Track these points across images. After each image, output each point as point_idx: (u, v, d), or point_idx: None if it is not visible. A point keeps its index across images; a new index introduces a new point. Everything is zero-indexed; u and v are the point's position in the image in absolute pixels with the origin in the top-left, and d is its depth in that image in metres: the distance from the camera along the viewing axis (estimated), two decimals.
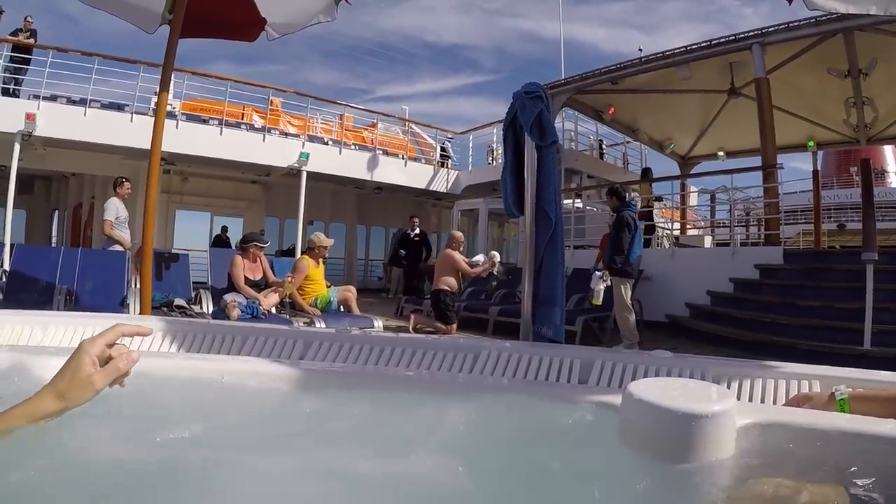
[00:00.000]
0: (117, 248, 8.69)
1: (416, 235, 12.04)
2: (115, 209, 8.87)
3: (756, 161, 12.21)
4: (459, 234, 10.22)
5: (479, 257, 10.49)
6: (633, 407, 1.33)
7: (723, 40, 11.98)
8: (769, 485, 1.25)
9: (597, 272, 8.22)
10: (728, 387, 2.09)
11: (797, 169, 56.86)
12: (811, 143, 16.87)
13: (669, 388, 1.36)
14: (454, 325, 9.62)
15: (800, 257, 10.57)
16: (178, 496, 1.21)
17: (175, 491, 1.22)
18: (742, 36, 11.62)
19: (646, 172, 16.15)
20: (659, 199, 15.86)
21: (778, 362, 2.18)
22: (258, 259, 7.96)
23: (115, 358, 1.20)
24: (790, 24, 10.95)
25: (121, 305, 7.43)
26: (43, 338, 2.36)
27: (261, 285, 7.83)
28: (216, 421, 1.60)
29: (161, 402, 1.77)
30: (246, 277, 7.62)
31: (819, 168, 17.77)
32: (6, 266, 9.97)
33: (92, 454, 1.35)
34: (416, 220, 13.50)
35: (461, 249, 10.03)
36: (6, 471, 1.14)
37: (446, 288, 9.67)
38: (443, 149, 20.76)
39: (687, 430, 1.25)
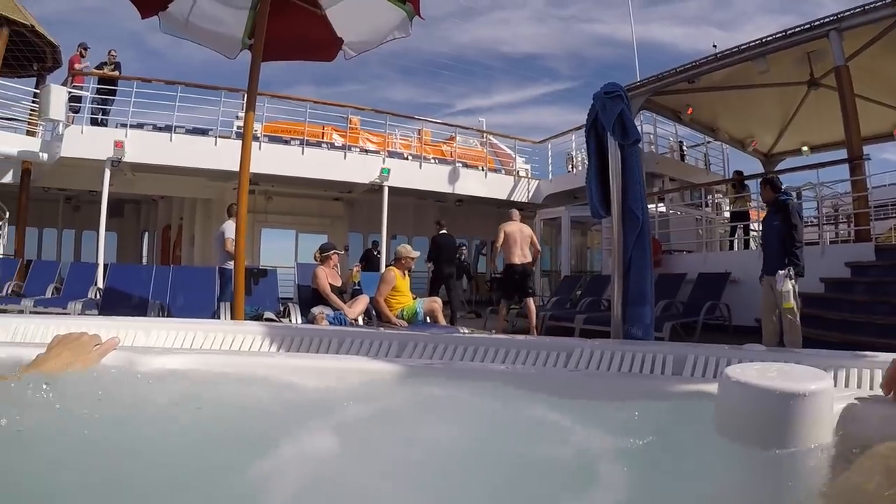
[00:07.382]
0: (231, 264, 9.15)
1: None
2: (232, 230, 9.30)
3: (842, 154, 11.83)
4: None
5: None
6: (731, 389, 1.35)
7: (798, 29, 11.68)
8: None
9: (780, 272, 7.75)
10: None
11: (888, 160, 54.63)
12: None
13: (766, 371, 1.38)
14: None
15: (893, 253, 10.20)
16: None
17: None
18: (818, 23, 11.29)
19: (738, 174, 15.88)
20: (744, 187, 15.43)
21: (872, 352, 2.16)
22: (337, 266, 8.29)
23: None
24: (866, 7, 10.59)
25: (213, 318, 7.71)
26: (147, 340, 2.50)
27: (344, 291, 8.10)
28: (321, 412, 1.67)
29: (263, 397, 1.87)
30: (330, 285, 7.86)
31: None
32: (100, 284, 10.45)
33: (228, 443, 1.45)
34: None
35: None
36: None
37: (531, 260, 10.04)
38: None
39: (785, 410, 1.27)
